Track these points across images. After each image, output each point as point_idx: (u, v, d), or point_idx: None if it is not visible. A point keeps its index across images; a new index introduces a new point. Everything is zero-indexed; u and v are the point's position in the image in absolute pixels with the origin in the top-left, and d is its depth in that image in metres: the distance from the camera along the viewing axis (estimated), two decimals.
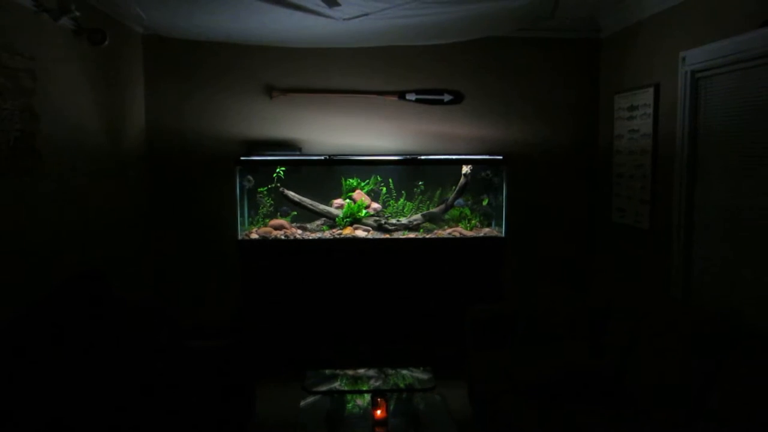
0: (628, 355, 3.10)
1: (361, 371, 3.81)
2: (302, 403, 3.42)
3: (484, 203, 4.79)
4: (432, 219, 4.68)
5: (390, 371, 3.81)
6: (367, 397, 3.47)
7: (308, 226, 4.66)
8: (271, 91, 4.70)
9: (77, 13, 3.28)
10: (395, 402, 3.43)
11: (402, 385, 3.65)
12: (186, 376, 3.40)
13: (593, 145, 4.95)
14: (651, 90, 4.04)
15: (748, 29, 3.07)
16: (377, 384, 3.59)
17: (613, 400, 2.93)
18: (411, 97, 4.76)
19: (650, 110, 4.07)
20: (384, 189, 4.73)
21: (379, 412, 2.93)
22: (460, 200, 4.72)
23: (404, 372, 3.85)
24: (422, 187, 4.75)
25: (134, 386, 3.08)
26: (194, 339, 3.72)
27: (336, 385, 3.56)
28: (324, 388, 3.50)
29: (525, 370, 3.16)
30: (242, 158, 4.45)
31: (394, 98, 4.76)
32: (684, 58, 3.65)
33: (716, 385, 2.49)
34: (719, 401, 2.43)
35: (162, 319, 3.80)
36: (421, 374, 3.79)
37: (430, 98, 4.78)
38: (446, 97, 4.79)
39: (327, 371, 3.79)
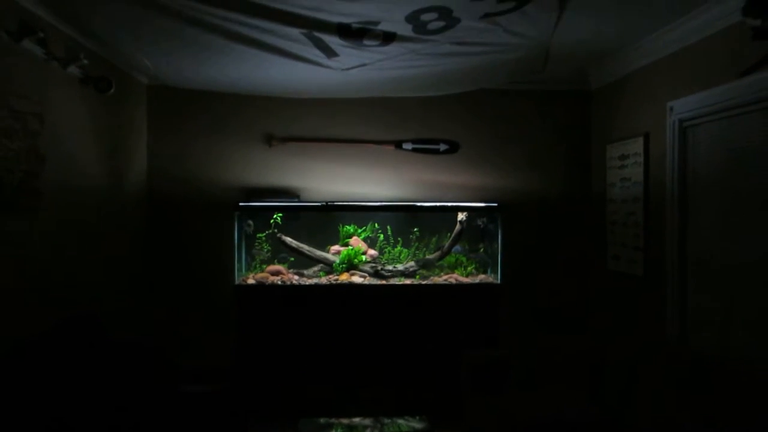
0: (625, 400, 3.09)
1: (357, 420, 3.78)
2: None
3: (480, 250, 4.83)
4: (426, 266, 4.72)
5: (385, 420, 3.78)
6: None
7: (305, 272, 4.68)
8: (270, 139, 4.81)
9: (85, 62, 3.40)
10: None
11: None
12: (180, 420, 3.37)
13: (587, 193, 5.02)
14: (641, 139, 4.14)
15: (729, 80, 3.19)
16: None
17: None
18: (408, 146, 4.87)
19: (641, 159, 4.15)
20: (381, 236, 4.78)
21: None
22: (458, 247, 4.76)
23: (400, 421, 3.81)
24: (417, 233, 4.80)
25: (122, 428, 3.05)
26: (189, 383, 3.70)
27: None
28: None
29: (523, 416, 3.14)
30: (241, 204, 4.52)
31: (391, 147, 4.87)
32: (671, 108, 3.76)
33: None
34: None
35: (156, 363, 3.78)
36: (417, 423, 3.76)
37: (426, 147, 4.89)
38: (442, 147, 4.89)
39: (321, 420, 3.76)
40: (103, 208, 4.02)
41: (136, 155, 4.62)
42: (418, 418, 3.84)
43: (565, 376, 3.46)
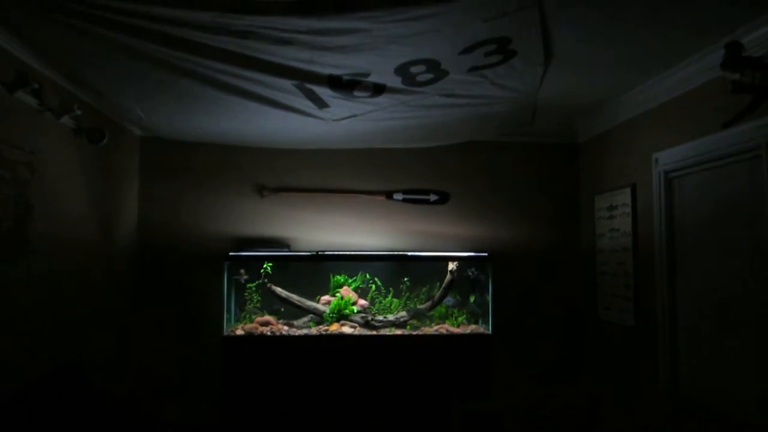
0: None
1: None
2: None
3: (471, 300, 4.81)
4: (417, 316, 4.68)
5: None
6: None
7: (295, 322, 4.64)
8: (262, 189, 4.84)
9: (79, 113, 3.45)
10: None
11: None
12: None
13: (576, 244, 5.05)
14: (628, 190, 4.20)
15: (712, 131, 3.26)
16: None
17: None
18: (398, 196, 4.91)
19: (629, 209, 4.20)
20: (373, 286, 4.75)
21: None
22: (450, 299, 4.74)
23: None
24: (408, 283, 4.78)
25: None
26: None
27: None
28: None
29: None
30: (231, 254, 4.50)
31: (382, 198, 4.91)
32: (657, 160, 3.83)
33: None
34: None
35: (142, 415, 3.70)
36: None
37: (416, 198, 4.93)
38: (432, 197, 4.93)
39: None
40: (92, 258, 4.00)
41: (127, 205, 4.62)
42: None
43: (558, 426, 3.39)
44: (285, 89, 3.48)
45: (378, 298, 4.76)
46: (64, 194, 3.64)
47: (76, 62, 3.24)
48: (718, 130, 3.18)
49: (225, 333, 4.39)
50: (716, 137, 3.24)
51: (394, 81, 3.41)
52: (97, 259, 4.07)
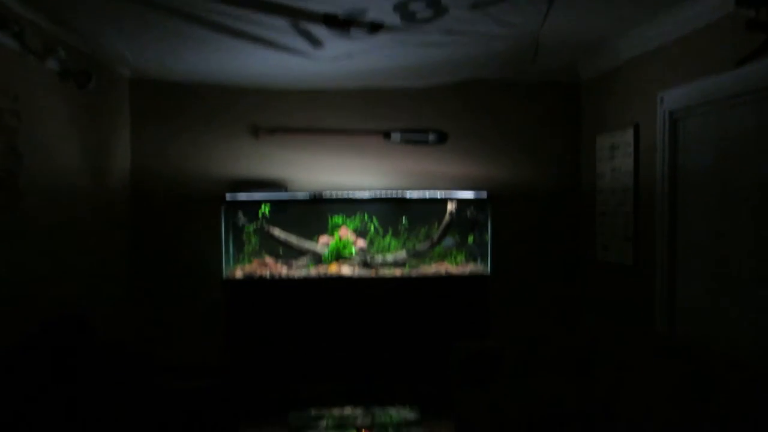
0: (615, 390, 3.09)
1: (347, 410, 3.77)
2: None
3: (470, 241, 4.81)
4: (417, 255, 4.69)
5: (376, 409, 3.78)
6: None
7: (294, 263, 4.64)
8: (257, 131, 4.75)
9: (63, 55, 3.31)
10: None
11: (388, 424, 3.62)
12: (168, 418, 3.34)
13: (577, 184, 5.00)
14: (631, 130, 4.12)
15: (721, 71, 3.16)
16: (364, 423, 3.57)
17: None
18: (396, 136, 4.82)
19: (631, 149, 4.13)
20: (372, 227, 4.74)
21: None
22: (449, 240, 4.73)
23: (391, 411, 3.81)
24: (406, 224, 4.76)
25: (115, 429, 3.02)
26: (178, 380, 3.67)
27: (321, 425, 3.52)
28: (309, 428, 3.45)
29: (513, 407, 3.13)
30: (228, 197, 4.45)
31: (380, 138, 4.82)
32: (662, 99, 3.73)
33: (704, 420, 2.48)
34: None
35: (144, 361, 3.75)
36: (407, 413, 3.76)
37: (415, 138, 4.84)
38: (431, 137, 4.85)
39: (312, 411, 3.75)
40: (86, 206, 3.95)
41: (119, 150, 4.53)
42: (408, 407, 3.83)
43: (556, 366, 3.46)
44: (278, 28, 3.35)
45: (377, 238, 4.76)
46: (54, 141, 3.55)
47: (58, 1, 3.09)
48: (727, 69, 3.08)
49: (224, 276, 4.40)
50: (725, 77, 3.14)
51: (392, 19, 3.28)
52: (91, 207, 4.02)
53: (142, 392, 3.43)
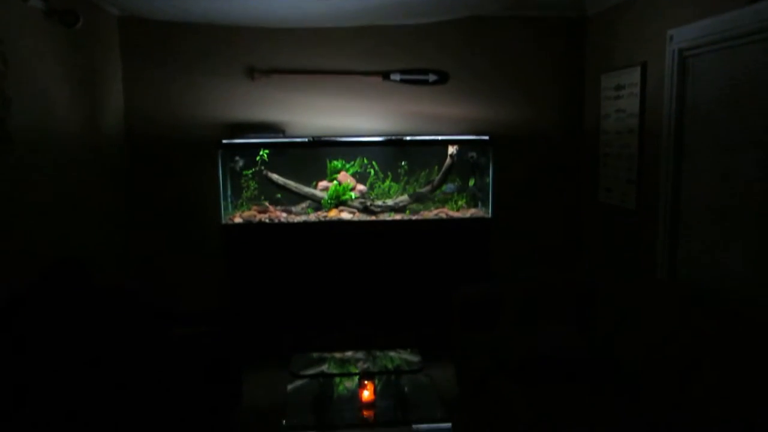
0: (616, 335, 3.10)
1: (349, 354, 3.80)
2: (289, 387, 3.38)
3: (471, 184, 4.75)
4: (420, 199, 4.64)
5: (377, 353, 3.80)
6: (356, 379, 3.48)
7: (293, 209, 4.60)
8: (253, 72, 4.61)
9: None
10: (383, 384, 3.43)
11: (390, 367, 3.64)
12: (170, 363, 3.36)
13: (580, 125, 4.91)
14: (638, 69, 3.99)
15: (736, 6, 3.02)
16: (365, 366, 3.60)
17: (602, 380, 2.93)
18: (396, 77, 4.69)
19: (637, 89, 4.02)
20: (372, 171, 4.67)
21: (366, 393, 2.90)
22: (451, 186, 4.67)
23: (392, 354, 3.83)
24: (406, 167, 4.69)
25: (116, 375, 3.03)
26: (179, 326, 3.67)
27: (323, 368, 3.55)
28: (311, 371, 3.48)
29: (513, 351, 3.14)
30: (224, 141, 4.37)
31: (379, 78, 4.69)
32: (671, 37, 3.60)
33: (704, 366, 2.49)
34: (705, 385, 2.43)
35: (145, 306, 3.74)
36: (408, 356, 3.78)
37: (415, 78, 4.71)
38: (431, 78, 4.72)
39: (314, 354, 3.77)
40: (79, 150, 3.86)
41: (111, 93, 4.41)
42: (409, 350, 3.86)
43: (557, 311, 3.46)
44: None
45: (377, 183, 4.70)
46: (43, 84, 3.43)
47: None
48: (739, 6, 2.95)
49: (223, 221, 4.36)
50: (739, 13, 3.01)
51: None
52: (85, 151, 3.94)
53: (142, 338, 3.43)
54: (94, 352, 3.02)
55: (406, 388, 3.38)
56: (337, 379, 3.48)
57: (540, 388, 2.86)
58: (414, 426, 2.95)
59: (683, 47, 3.52)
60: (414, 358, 3.70)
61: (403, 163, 4.69)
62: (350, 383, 3.43)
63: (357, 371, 3.40)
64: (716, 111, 3.30)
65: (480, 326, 3.68)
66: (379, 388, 3.27)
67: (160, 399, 2.95)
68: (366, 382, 3.01)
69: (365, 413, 2.96)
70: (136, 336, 3.41)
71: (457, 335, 3.74)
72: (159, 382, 3.12)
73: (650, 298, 3.08)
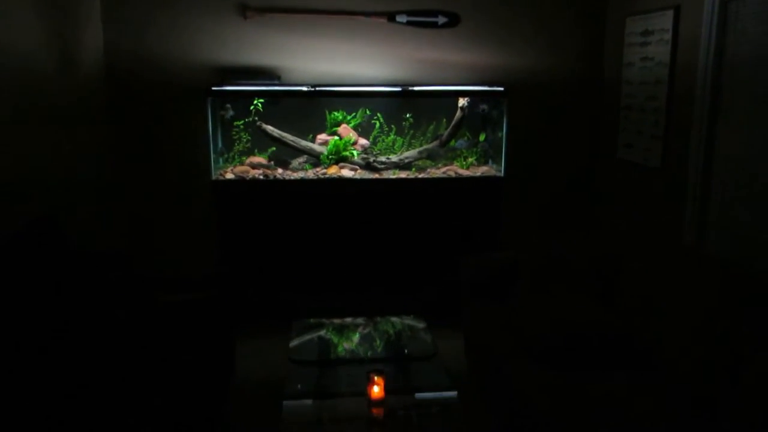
0: (642, 311, 2.84)
1: (349, 320, 3.59)
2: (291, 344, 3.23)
3: (481, 139, 4.42)
4: (429, 156, 4.32)
5: (379, 319, 3.60)
6: (356, 336, 3.38)
7: (290, 163, 4.27)
8: (245, 10, 4.19)
9: None
10: (384, 343, 3.32)
11: (391, 331, 3.47)
12: (159, 333, 3.11)
13: (599, 73, 4.55)
14: (670, 13, 3.63)
15: None
16: (366, 332, 3.42)
17: (625, 360, 2.69)
18: (402, 18, 4.28)
19: (668, 36, 3.67)
20: (377, 124, 4.32)
21: (376, 389, 2.61)
22: (462, 141, 4.34)
23: (394, 319, 3.62)
24: (411, 120, 4.34)
25: (101, 346, 2.78)
26: (167, 292, 3.42)
27: (322, 333, 3.38)
28: (309, 336, 3.31)
29: (529, 327, 2.89)
30: (214, 88, 3.99)
31: (383, 20, 4.28)
32: None
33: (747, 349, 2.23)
34: (750, 373, 2.18)
35: (130, 272, 3.47)
36: (411, 321, 3.57)
37: (422, 20, 4.30)
38: (441, 20, 4.32)
39: (312, 320, 3.56)
40: (56, 96, 3.49)
41: (88, 32, 3.98)
42: (412, 316, 3.64)
43: (576, 283, 3.19)
44: None
45: (381, 137, 4.36)
46: (11, 25, 3.03)
47: None
48: None
49: (213, 177, 4.04)
50: None
51: None
52: (61, 97, 3.56)
53: (122, 306, 3.17)
54: (65, 322, 2.75)
55: (409, 352, 3.24)
56: (338, 342, 3.37)
57: (558, 370, 2.62)
58: (417, 395, 2.79)
59: None
60: (419, 324, 3.50)
61: (408, 115, 4.33)
62: (350, 344, 3.36)
63: (364, 357, 3.17)
64: (761, 63, 2.95)
65: (491, 296, 3.42)
66: (380, 348, 3.22)
67: (145, 372, 2.71)
68: (375, 377, 2.68)
69: (374, 411, 2.68)
70: (116, 303, 3.15)
71: (466, 306, 3.49)
72: (141, 353, 2.88)
73: (682, 271, 2.81)
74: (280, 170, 4.18)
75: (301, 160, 4.29)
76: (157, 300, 3.33)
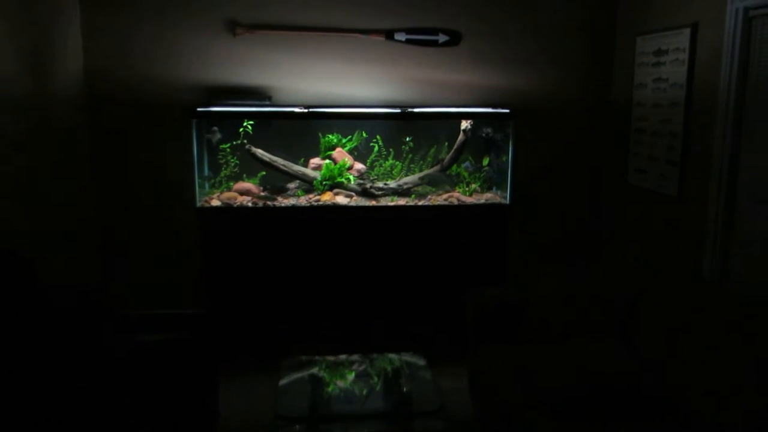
0: (667, 355, 2.57)
1: (343, 357, 3.34)
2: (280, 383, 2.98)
3: (485, 163, 4.18)
4: (434, 182, 4.07)
5: (375, 356, 3.35)
6: (352, 376, 3.18)
7: (287, 190, 4.03)
8: (234, 27, 3.96)
9: None
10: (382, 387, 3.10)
11: (389, 369, 3.22)
12: (135, 376, 2.83)
13: (608, 95, 4.33)
14: (686, 31, 3.41)
15: None
16: (361, 368, 3.24)
17: (655, 413, 2.41)
18: (401, 36, 4.06)
19: (684, 56, 3.45)
20: (376, 147, 4.09)
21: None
22: (469, 164, 4.11)
23: (391, 356, 3.37)
24: (411, 144, 4.10)
25: (71, 393, 2.50)
26: (145, 331, 3.13)
27: (314, 370, 3.17)
28: (300, 375, 3.11)
29: (544, 374, 2.61)
30: (199, 109, 3.74)
31: (381, 38, 4.06)
32: None
33: None
34: None
35: (103, 309, 3.17)
36: (410, 358, 3.31)
37: (422, 39, 4.08)
38: (441, 38, 4.10)
39: (303, 357, 3.30)
40: (30, 119, 3.24)
41: (68, 50, 3.74)
42: (411, 353, 3.38)
43: (590, 319, 2.92)
44: None
45: (378, 161, 4.12)
46: None
47: None
48: None
49: (198, 204, 3.77)
50: None
51: None
52: (36, 120, 3.31)
53: (98, 346, 2.88)
54: (37, 366, 2.47)
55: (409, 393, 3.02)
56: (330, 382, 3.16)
57: (582, 425, 2.34)
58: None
59: (750, 5, 2.94)
60: (419, 362, 3.24)
61: (408, 138, 4.09)
62: (344, 383, 3.15)
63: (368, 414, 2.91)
64: None
65: (499, 335, 3.14)
66: (378, 387, 3.07)
67: (114, 421, 2.43)
68: None
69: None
70: (90, 345, 2.86)
71: (472, 347, 3.20)
72: (118, 398, 2.60)
73: (708, 309, 2.55)
74: (279, 198, 3.91)
75: (293, 185, 4.04)
76: (131, 340, 3.04)
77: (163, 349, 3.02)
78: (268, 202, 3.85)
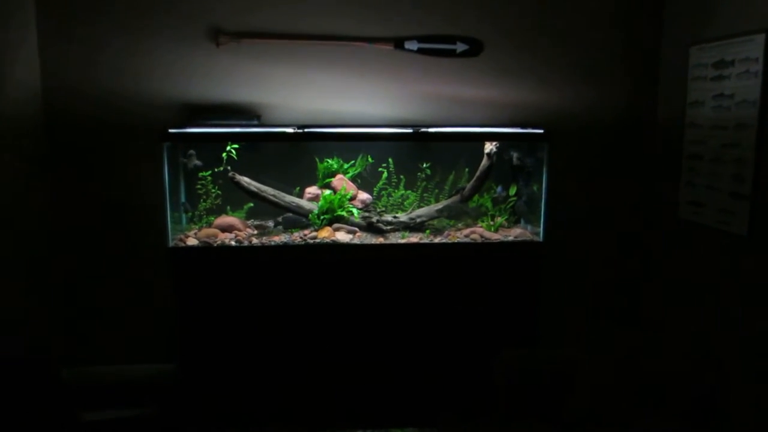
0: None
1: None
2: None
3: (511, 193, 3.62)
4: (454, 215, 3.55)
5: None
6: None
7: (270, 225, 3.51)
8: (217, 35, 3.47)
9: None
10: None
11: None
12: None
13: (654, 115, 3.81)
14: (760, 38, 2.89)
15: None
16: None
17: None
18: (412, 45, 3.58)
19: (757, 68, 2.91)
20: (385, 172, 3.57)
21: None
22: (502, 189, 3.58)
23: None
24: (428, 171, 3.57)
25: None
26: (101, 407, 2.58)
27: None
28: None
29: None
30: (171, 131, 3.18)
31: (390, 47, 3.58)
32: None
33: None
34: None
35: (50, 379, 2.61)
36: None
37: (437, 48, 3.60)
38: (460, 47, 3.61)
39: None
40: None
41: (22, 63, 3.25)
42: (427, 430, 2.80)
43: (653, 393, 2.33)
44: None
45: (386, 189, 3.58)
46: None
47: None
48: None
49: (171, 243, 3.19)
50: None
51: None
52: None
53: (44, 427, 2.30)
54: None
55: None
56: None
57: None
58: None
59: None
60: None
61: (425, 165, 3.55)
62: None
63: None
64: None
65: (538, 410, 2.54)
66: None
67: None
68: None
69: None
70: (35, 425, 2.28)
71: (505, 422, 2.60)
72: None
73: None
74: (256, 233, 3.36)
75: (271, 222, 3.52)
76: (79, 419, 2.46)
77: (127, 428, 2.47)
78: (254, 240, 3.28)
